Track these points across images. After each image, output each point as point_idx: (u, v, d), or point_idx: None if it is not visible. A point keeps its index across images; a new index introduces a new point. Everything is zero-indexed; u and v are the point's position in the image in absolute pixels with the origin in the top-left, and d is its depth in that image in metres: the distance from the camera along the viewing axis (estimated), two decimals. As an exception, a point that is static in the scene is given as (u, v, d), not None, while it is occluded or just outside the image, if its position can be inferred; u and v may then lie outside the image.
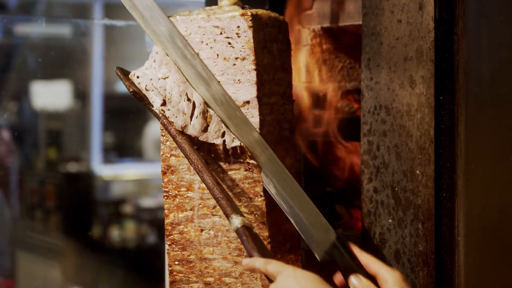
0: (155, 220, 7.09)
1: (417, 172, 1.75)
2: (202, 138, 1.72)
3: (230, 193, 1.75)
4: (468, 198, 1.72)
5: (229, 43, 1.76)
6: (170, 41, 1.74)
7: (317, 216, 1.72)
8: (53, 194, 6.77)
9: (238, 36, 1.75)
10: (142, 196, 7.50)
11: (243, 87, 1.76)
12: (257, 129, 1.74)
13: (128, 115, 8.13)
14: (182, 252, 1.82)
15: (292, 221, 1.71)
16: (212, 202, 1.78)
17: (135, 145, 8.09)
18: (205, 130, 1.72)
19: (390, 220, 1.80)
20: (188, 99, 1.72)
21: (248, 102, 1.76)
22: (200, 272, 1.81)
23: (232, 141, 1.72)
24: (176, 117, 1.72)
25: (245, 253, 1.75)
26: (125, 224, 7.12)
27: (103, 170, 7.62)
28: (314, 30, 2.15)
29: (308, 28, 2.15)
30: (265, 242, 1.73)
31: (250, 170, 1.74)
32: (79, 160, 7.41)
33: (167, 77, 1.74)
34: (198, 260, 1.81)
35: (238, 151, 1.73)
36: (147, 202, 7.26)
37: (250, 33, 1.74)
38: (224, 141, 1.72)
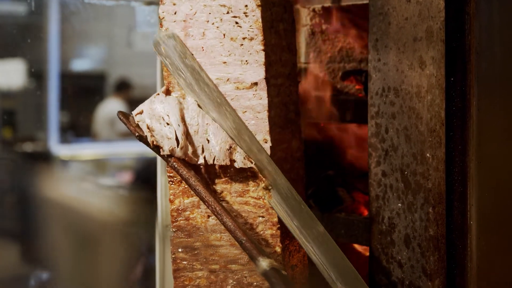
0: (114, 199, 7.00)
1: (428, 155, 1.72)
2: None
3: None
4: (480, 181, 1.69)
5: (237, 23, 1.70)
6: (237, 135, 1.70)
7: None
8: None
9: (246, 16, 1.69)
10: (101, 175, 7.41)
11: (250, 68, 1.70)
12: (266, 112, 1.69)
13: (85, 94, 8.02)
14: (187, 239, 1.76)
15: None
16: (219, 187, 1.73)
17: (92, 124, 7.97)
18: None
19: (399, 204, 1.77)
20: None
21: (256, 83, 1.70)
22: (205, 260, 1.76)
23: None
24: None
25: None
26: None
27: (60, 150, 7.50)
28: (314, 10, 2.10)
29: (308, 8, 2.10)
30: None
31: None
32: (35, 140, 7.29)
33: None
34: (204, 247, 1.76)
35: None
36: (107, 181, 7.17)
37: (258, 12, 1.68)
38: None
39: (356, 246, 2.06)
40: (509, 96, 1.73)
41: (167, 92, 1.73)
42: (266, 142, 1.70)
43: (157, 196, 2.33)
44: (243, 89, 1.71)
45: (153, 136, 1.70)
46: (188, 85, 1.71)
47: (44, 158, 7.16)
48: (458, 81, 1.70)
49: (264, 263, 1.58)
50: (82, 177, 7.25)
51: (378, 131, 1.80)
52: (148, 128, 1.70)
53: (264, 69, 1.69)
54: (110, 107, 8.19)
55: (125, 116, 1.75)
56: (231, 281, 1.75)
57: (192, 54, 1.72)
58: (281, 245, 1.72)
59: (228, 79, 1.72)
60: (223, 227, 1.73)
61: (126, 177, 7.16)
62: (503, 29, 1.72)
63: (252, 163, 1.67)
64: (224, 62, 1.71)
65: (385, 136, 1.79)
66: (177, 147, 1.68)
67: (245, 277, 1.75)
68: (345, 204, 2.02)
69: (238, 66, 1.71)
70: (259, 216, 1.72)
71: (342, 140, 2.10)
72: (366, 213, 2.02)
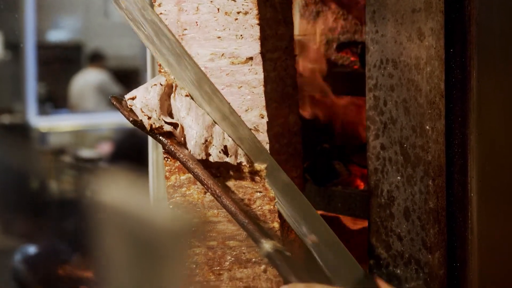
0: (95, 171, 6.97)
1: (427, 127, 1.70)
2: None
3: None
4: (481, 153, 1.67)
5: (231, -4, 1.67)
6: (198, 87, 1.66)
7: (345, 253, 1.65)
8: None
9: (240, -11, 1.66)
10: (80, 147, 7.36)
11: (246, 42, 1.67)
12: (261, 87, 1.66)
13: (63, 65, 7.94)
14: (184, 216, 1.74)
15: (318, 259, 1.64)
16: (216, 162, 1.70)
17: (68, 96, 7.91)
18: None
19: (398, 177, 1.75)
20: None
21: (251, 58, 1.68)
22: (203, 236, 1.74)
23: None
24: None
25: (252, 216, 1.69)
26: (64, 175, 6.98)
27: (38, 121, 7.44)
28: (308, -20, 2.07)
29: (301, -22, 2.07)
30: None
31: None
32: (13, 112, 7.22)
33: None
34: (201, 224, 1.74)
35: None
36: (86, 153, 7.13)
37: (253, -14, 1.65)
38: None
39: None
40: (510, 67, 1.71)
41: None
42: (262, 117, 1.68)
43: (149, 171, 2.31)
44: (238, 64, 1.68)
45: (150, 119, 1.66)
46: (148, 37, 1.68)
47: (23, 130, 7.10)
48: (457, 52, 1.68)
49: (267, 245, 1.56)
50: (62, 149, 7.19)
51: (376, 104, 1.78)
52: (142, 111, 1.66)
53: (259, 43, 1.67)
54: (85, 78, 8.13)
55: (118, 101, 1.71)
56: (229, 257, 1.74)
57: (153, 8, 1.69)
58: (279, 220, 1.71)
59: (223, 54, 1.69)
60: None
61: (106, 148, 7.12)
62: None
63: (228, 156, 1.64)
64: (219, 37, 1.68)
65: (384, 109, 1.77)
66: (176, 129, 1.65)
67: (244, 253, 1.73)
68: (342, 178, 2.01)
69: (233, 40, 1.68)
70: (257, 192, 1.70)
71: (338, 113, 2.08)
72: (362, 186, 2.01)
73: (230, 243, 1.74)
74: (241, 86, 1.68)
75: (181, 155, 1.66)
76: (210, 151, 1.65)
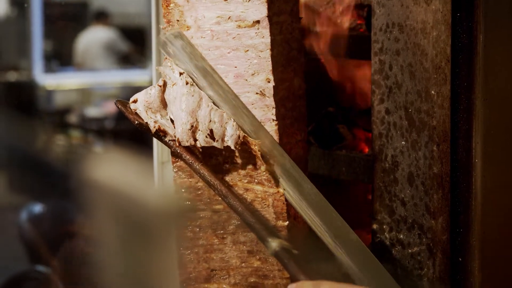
0: (101, 129, 6.97)
1: (432, 92, 1.70)
2: None
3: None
4: (486, 118, 1.67)
5: (238, -41, 1.65)
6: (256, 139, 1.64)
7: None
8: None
9: (247, -49, 1.64)
10: (86, 105, 7.36)
11: (252, 5, 1.66)
12: (268, 50, 1.65)
13: (69, 22, 7.91)
14: (189, 179, 1.74)
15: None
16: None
17: (74, 53, 7.88)
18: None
19: (403, 142, 1.75)
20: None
21: (258, 21, 1.66)
22: (208, 200, 1.74)
23: None
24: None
25: (256, 179, 1.69)
26: (71, 133, 6.99)
27: (45, 79, 7.42)
28: None
29: None
30: None
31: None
32: (19, 69, 7.20)
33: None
34: (207, 187, 1.74)
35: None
36: (92, 111, 7.13)
37: None
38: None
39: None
40: (516, 32, 1.70)
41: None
42: (269, 82, 1.67)
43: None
44: (245, 27, 1.67)
45: (156, 122, 1.66)
46: (202, 88, 1.65)
47: (29, 87, 7.09)
48: (464, 16, 1.66)
49: (274, 243, 1.55)
50: (68, 108, 7.18)
51: (381, 68, 1.77)
52: (146, 113, 1.66)
53: (267, 6, 1.65)
54: (91, 36, 8.10)
55: (122, 104, 1.71)
56: (234, 221, 1.74)
57: (202, 54, 1.66)
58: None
59: (229, 17, 1.67)
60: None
61: (111, 106, 7.11)
62: (511, -38, 1.68)
63: (214, 140, 1.63)
64: (225, 0, 1.67)
65: (389, 73, 1.76)
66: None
67: (248, 217, 1.73)
68: (346, 141, 2.01)
69: (240, 3, 1.66)
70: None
71: (343, 77, 2.07)
72: (367, 150, 2.01)
73: (235, 207, 1.74)
74: (248, 50, 1.67)
75: (187, 157, 1.66)
76: (197, 136, 1.65)
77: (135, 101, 1.70)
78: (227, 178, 1.71)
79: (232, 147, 1.64)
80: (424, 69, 1.70)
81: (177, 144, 1.67)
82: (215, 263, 1.76)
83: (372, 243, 1.83)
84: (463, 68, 1.67)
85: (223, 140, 1.64)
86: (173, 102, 1.66)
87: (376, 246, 1.82)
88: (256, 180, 1.69)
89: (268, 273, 1.73)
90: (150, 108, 1.68)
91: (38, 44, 7.37)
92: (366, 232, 1.92)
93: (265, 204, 1.70)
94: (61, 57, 7.92)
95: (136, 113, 1.69)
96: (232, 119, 1.63)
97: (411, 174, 1.74)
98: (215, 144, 1.64)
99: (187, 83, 1.65)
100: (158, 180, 2.30)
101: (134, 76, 7.39)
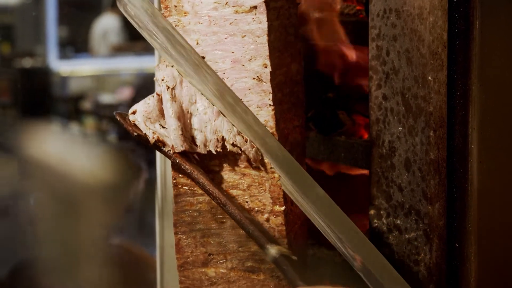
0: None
1: (429, 78, 1.70)
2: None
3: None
4: (482, 104, 1.67)
5: None
6: (220, 98, 1.64)
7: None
8: (8, 90, 6.60)
9: None
10: (100, 92, 7.39)
11: (249, -9, 1.67)
12: (265, 36, 1.66)
13: (84, 8, 7.92)
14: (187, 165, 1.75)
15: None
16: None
17: (89, 40, 7.90)
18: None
19: (400, 128, 1.76)
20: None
21: (255, 7, 1.67)
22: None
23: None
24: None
25: (253, 164, 1.70)
26: (85, 120, 7.02)
27: (59, 65, 7.44)
28: None
29: None
30: None
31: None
32: (34, 55, 7.23)
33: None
34: (204, 173, 1.75)
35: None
36: (107, 98, 7.16)
37: None
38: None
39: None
40: (513, 17, 1.69)
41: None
42: (266, 67, 1.67)
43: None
44: (242, 12, 1.68)
45: (155, 132, 1.67)
46: (163, 48, 1.66)
47: (43, 73, 7.11)
48: (461, 2, 1.66)
49: (273, 250, 1.56)
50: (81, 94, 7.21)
51: (379, 53, 1.78)
52: (145, 125, 1.67)
53: (264, -9, 1.66)
54: (106, 22, 8.11)
55: (121, 116, 1.72)
56: (233, 205, 1.75)
57: (161, 12, 1.67)
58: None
59: (226, 3, 1.68)
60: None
61: (126, 93, 7.14)
62: None
63: (197, 146, 1.65)
64: (222, -15, 1.68)
65: (386, 59, 1.76)
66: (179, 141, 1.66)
67: (247, 202, 1.74)
68: (346, 127, 2.01)
69: (237, -11, 1.67)
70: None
71: (342, 62, 2.07)
72: (366, 136, 2.01)
73: (233, 192, 1.75)
74: (245, 36, 1.68)
75: (186, 166, 1.67)
76: (186, 141, 1.66)
77: (133, 112, 1.71)
78: (225, 164, 1.72)
79: (213, 152, 1.66)
80: (421, 55, 1.70)
81: (174, 152, 1.67)
82: (212, 247, 1.77)
83: (370, 229, 1.84)
84: (460, 54, 1.67)
85: (205, 146, 1.66)
86: (165, 109, 1.68)
87: (374, 231, 1.82)
88: (253, 165, 1.70)
89: (265, 257, 1.74)
90: (149, 118, 1.69)
91: (53, 30, 7.39)
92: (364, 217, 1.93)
93: (262, 189, 1.71)
94: (76, 43, 7.94)
95: (135, 125, 1.70)
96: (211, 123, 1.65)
97: (408, 160, 1.75)
98: (198, 150, 1.66)
99: (168, 88, 1.67)
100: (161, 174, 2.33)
101: (148, 62, 7.42)
